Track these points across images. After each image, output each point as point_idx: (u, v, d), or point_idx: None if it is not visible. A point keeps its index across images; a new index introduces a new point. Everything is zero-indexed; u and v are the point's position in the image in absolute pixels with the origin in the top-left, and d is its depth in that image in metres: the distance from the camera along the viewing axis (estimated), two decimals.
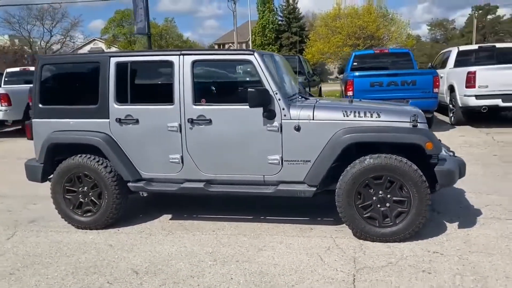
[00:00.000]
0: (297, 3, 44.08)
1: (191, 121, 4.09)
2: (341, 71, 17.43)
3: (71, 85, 4.59)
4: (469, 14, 66.61)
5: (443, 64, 11.81)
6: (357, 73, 9.32)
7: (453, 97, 10.27)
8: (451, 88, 10.36)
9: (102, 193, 4.32)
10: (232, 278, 3.26)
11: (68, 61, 4.57)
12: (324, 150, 3.88)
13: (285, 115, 3.94)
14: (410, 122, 3.84)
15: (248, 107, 3.94)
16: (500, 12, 64.99)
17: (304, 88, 5.19)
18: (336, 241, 3.89)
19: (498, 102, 9.26)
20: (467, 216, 4.36)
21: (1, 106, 11.19)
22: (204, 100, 4.14)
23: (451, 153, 4.10)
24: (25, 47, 44.10)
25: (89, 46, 53.10)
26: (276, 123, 3.95)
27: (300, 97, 4.41)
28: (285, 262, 3.49)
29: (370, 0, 37.89)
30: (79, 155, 4.34)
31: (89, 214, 4.41)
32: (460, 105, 9.81)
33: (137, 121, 4.22)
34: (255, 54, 4.02)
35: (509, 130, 9.48)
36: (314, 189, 3.94)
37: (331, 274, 3.25)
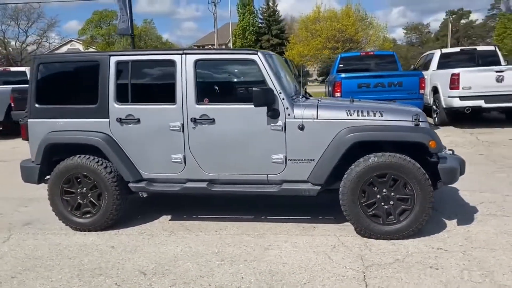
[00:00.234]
0: (277, 5, 44.33)
1: (194, 120, 4.06)
2: (321, 74, 17.60)
3: (69, 84, 4.50)
4: (443, 19, 68.24)
5: (425, 66, 12.04)
6: (345, 75, 9.42)
7: (437, 98, 10.48)
8: (435, 90, 10.58)
9: (102, 194, 4.25)
10: (243, 278, 3.25)
11: (66, 60, 4.48)
12: (328, 149, 3.91)
13: (289, 114, 3.96)
14: (412, 121, 3.90)
15: (251, 106, 3.94)
16: (472, 17, 66.74)
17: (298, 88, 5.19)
18: (341, 239, 3.92)
19: (481, 103, 9.51)
20: (465, 213, 4.46)
21: None
22: (207, 99, 4.11)
23: (450, 152, 4.18)
24: None
25: (66, 47, 52.13)
26: (280, 122, 3.96)
27: (301, 96, 4.43)
28: (293, 261, 3.50)
29: (348, 3, 38.39)
30: (78, 155, 4.26)
31: (88, 215, 4.33)
32: (444, 106, 10.02)
33: (138, 121, 4.16)
34: (259, 53, 4.03)
35: (491, 130, 9.74)
36: (319, 187, 3.96)
37: (341, 272, 3.28)
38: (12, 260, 3.76)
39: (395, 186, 3.79)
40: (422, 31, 74.90)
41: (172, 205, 5.08)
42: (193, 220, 4.58)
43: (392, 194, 3.80)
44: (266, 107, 3.92)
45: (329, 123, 3.93)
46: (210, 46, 52.47)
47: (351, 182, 3.80)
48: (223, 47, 43.85)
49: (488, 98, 9.46)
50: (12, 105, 10.68)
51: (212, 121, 4.05)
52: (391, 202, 3.81)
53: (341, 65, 11.16)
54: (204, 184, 4.13)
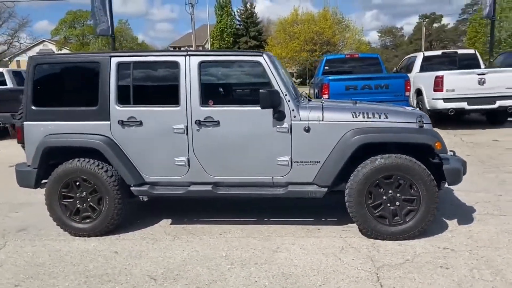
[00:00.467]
0: (254, 7, 44.43)
1: (199, 122, 4.01)
2: (299, 76, 17.70)
3: (68, 86, 4.38)
4: (416, 22, 69.73)
5: (408, 69, 12.26)
6: (332, 77, 9.50)
7: (420, 100, 10.68)
8: (418, 92, 10.78)
9: (103, 199, 4.15)
10: (256, 281, 3.22)
11: (64, 61, 4.35)
12: (334, 151, 3.92)
13: (294, 116, 3.95)
14: (417, 123, 3.96)
15: (257, 108, 3.93)
16: (444, 21, 68.48)
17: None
18: (347, 240, 3.94)
19: (464, 105, 9.73)
20: (463, 213, 4.55)
21: None
22: (212, 101, 4.07)
23: (452, 153, 4.26)
24: None
25: (38, 47, 50.89)
26: (286, 124, 3.95)
27: (303, 98, 4.44)
28: (304, 263, 3.49)
29: (326, 6, 38.84)
30: (77, 159, 4.14)
31: (88, 220, 4.22)
32: (428, 108, 10.21)
33: (140, 123, 4.09)
34: (264, 55, 4.02)
35: (474, 132, 9.98)
36: (325, 189, 3.97)
37: (354, 273, 3.29)
38: (13, 267, 3.62)
39: (401, 187, 3.83)
40: (396, 34, 76.37)
41: (171, 209, 5.00)
42: (195, 223, 4.52)
43: (398, 195, 3.84)
44: (272, 109, 3.91)
45: (335, 125, 3.95)
46: (186, 47, 52.20)
47: (358, 183, 3.82)
48: (200, 48, 43.68)
49: (470, 100, 9.69)
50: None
51: (217, 123, 4.01)
52: (397, 203, 3.85)
53: (326, 67, 11.25)
54: (209, 187, 4.09)
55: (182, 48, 50.37)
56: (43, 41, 52.82)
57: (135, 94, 4.10)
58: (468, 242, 3.81)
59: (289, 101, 3.95)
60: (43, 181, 4.36)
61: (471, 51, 12.13)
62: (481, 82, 9.64)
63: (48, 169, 4.28)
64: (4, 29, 44.84)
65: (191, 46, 45.55)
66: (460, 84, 9.70)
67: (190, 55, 4.06)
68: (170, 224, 4.54)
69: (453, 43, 65.95)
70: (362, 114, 3.97)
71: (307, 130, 3.95)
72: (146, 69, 4.27)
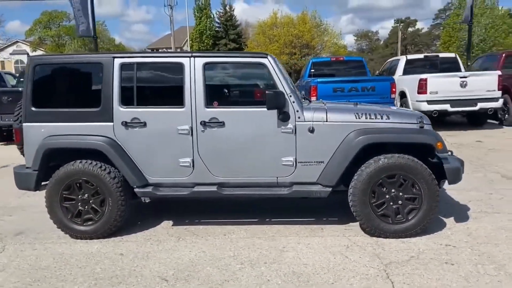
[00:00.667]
0: (233, 10, 44.36)
1: (204, 123, 4.02)
2: None
3: (69, 87, 4.33)
4: (392, 26, 71.05)
5: (390, 72, 12.51)
6: (320, 79, 9.62)
7: (404, 103, 10.91)
8: (402, 94, 11.01)
9: (106, 200, 4.11)
10: (269, 280, 3.25)
11: (65, 62, 4.29)
12: (338, 151, 3.99)
13: (299, 117, 4.01)
14: (417, 123, 4.07)
15: (262, 109, 3.99)
16: (418, 25, 70.02)
17: None
18: (351, 239, 4.01)
19: (447, 107, 10.00)
20: (459, 211, 4.69)
21: None
22: (217, 103, 4.09)
23: (450, 152, 4.38)
24: None
25: (11, 48, 49.71)
26: (290, 125, 4.01)
27: (304, 99, 4.50)
28: (313, 262, 3.54)
29: (304, 10, 39.20)
30: (79, 160, 4.10)
31: (90, 222, 4.17)
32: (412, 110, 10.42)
33: (144, 124, 4.07)
34: (269, 57, 4.07)
35: (456, 133, 10.27)
36: (330, 189, 4.03)
37: (363, 271, 3.35)
38: (17, 271, 3.56)
39: (404, 186, 3.92)
40: (371, 38, 77.72)
41: (172, 210, 4.98)
42: (197, 224, 4.52)
43: (401, 194, 3.93)
44: (277, 110, 3.95)
45: (339, 125, 4.02)
46: (164, 49, 51.79)
47: (362, 183, 3.90)
48: (178, 50, 43.43)
49: (453, 102, 9.97)
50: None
51: (222, 124, 4.03)
52: (400, 202, 3.94)
53: (312, 70, 11.36)
54: (213, 188, 4.10)
55: (160, 50, 50.01)
56: (16, 41, 51.59)
57: (138, 95, 4.09)
58: (468, 239, 3.93)
59: (293, 102, 4.01)
60: (42, 183, 4.29)
61: (452, 55, 12.48)
62: (463, 85, 9.93)
63: (47, 171, 4.22)
64: None
65: (170, 48, 45.32)
66: (443, 86, 9.96)
67: (194, 56, 4.07)
68: (172, 225, 4.53)
69: (427, 47, 67.52)
70: (364, 115, 4.05)
71: (312, 130, 4.01)
72: (149, 70, 4.26)
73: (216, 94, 4.26)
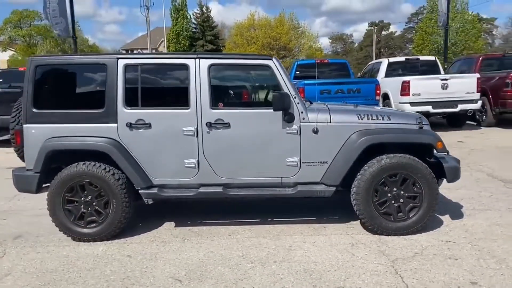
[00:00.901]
0: (210, 11, 44.30)
1: (209, 125, 4.05)
2: None
3: (72, 88, 4.29)
4: (366, 29, 72.39)
5: (371, 74, 12.77)
6: (307, 81, 9.75)
7: (387, 104, 11.16)
8: (385, 96, 11.26)
9: (110, 202, 4.08)
10: (282, 278, 3.31)
11: (67, 63, 4.24)
12: (342, 151, 4.09)
13: (303, 118, 4.08)
14: (417, 124, 4.21)
15: (267, 110, 4.05)
16: (391, 28, 71.49)
17: None
18: (354, 237, 4.11)
19: (429, 108, 10.28)
20: (453, 209, 4.85)
21: None
22: (222, 104, 4.13)
23: (446, 152, 4.53)
24: None
25: None
26: (295, 126, 4.08)
27: (305, 101, 4.58)
28: (322, 260, 3.62)
29: (281, 12, 39.47)
30: (83, 162, 4.06)
31: (94, 225, 4.14)
32: None
33: (149, 126, 4.07)
34: (273, 59, 4.13)
35: (438, 134, 10.53)
36: (334, 188, 4.12)
37: (372, 267, 3.45)
38: (24, 275, 3.50)
39: (405, 185, 4.05)
40: (346, 41, 78.90)
41: (172, 211, 4.98)
42: (199, 225, 4.54)
43: (402, 192, 4.06)
44: (283, 111, 4.02)
45: (342, 126, 4.12)
46: (139, 50, 51.22)
47: (365, 182, 4.01)
48: (153, 51, 43.04)
49: (435, 104, 10.27)
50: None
51: (227, 125, 4.07)
52: (401, 200, 4.06)
53: (297, 72, 11.51)
54: (219, 189, 4.13)
55: (135, 51, 49.40)
56: None
57: (143, 96, 4.08)
58: (466, 235, 4.09)
59: (298, 103, 4.08)
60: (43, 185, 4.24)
61: (432, 58, 12.84)
62: (444, 87, 10.24)
63: (48, 173, 4.17)
64: None
65: (145, 49, 44.84)
66: (425, 88, 10.24)
67: (199, 58, 4.09)
68: (175, 226, 4.53)
69: (400, 50, 69.00)
70: (366, 116, 4.16)
71: (316, 131, 4.09)
72: (154, 72, 4.26)
73: (221, 96, 4.28)
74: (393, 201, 4.07)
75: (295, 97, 4.08)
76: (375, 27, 61.33)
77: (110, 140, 4.07)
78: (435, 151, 4.31)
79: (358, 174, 4.06)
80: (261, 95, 4.62)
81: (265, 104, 3.98)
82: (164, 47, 41.50)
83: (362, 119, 4.15)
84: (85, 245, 4.08)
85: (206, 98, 4.05)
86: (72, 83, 4.29)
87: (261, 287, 3.19)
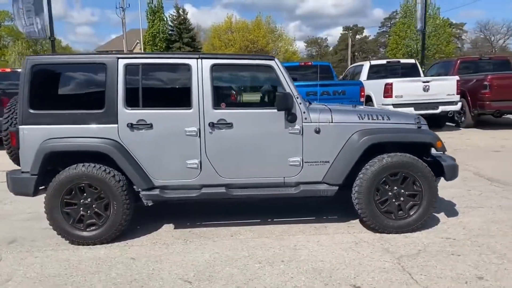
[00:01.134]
0: (187, 14, 44.06)
1: (212, 125, 4.03)
2: None
3: (70, 88, 4.19)
4: (340, 33, 73.42)
5: (353, 77, 12.95)
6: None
7: (370, 106, 11.33)
8: (367, 98, 11.42)
9: (110, 204, 4.01)
10: (292, 277, 3.31)
11: (65, 62, 4.12)
12: (343, 151, 4.13)
13: (305, 118, 4.11)
14: (415, 124, 4.29)
15: (270, 110, 4.08)
16: (365, 32, 72.72)
17: None
18: (356, 235, 4.15)
19: (411, 110, 10.48)
20: (447, 207, 4.96)
21: None
22: (224, 104, 4.12)
23: (444, 151, 4.63)
24: None
25: None
26: (297, 126, 4.10)
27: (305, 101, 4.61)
28: (329, 258, 3.64)
29: (258, 16, 39.64)
30: (82, 164, 3.97)
31: (93, 228, 4.05)
32: None
33: (151, 126, 4.02)
34: (276, 59, 4.14)
35: None
36: (336, 188, 4.16)
37: (379, 265, 3.49)
38: (26, 280, 3.39)
39: (405, 183, 4.12)
40: (321, 45, 79.86)
41: (169, 213, 4.92)
42: (199, 226, 4.50)
43: (403, 191, 4.13)
44: (285, 111, 4.04)
45: (344, 126, 4.16)
46: (113, 51, 50.44)
47: (367, 181, 4.06)
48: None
49: (417, 105, 10.49)
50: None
51: (230, 125, 4.05)
52: (401, 199, 4.13)
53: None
54: (222, 189, 4.11)
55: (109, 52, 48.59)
56: None
57: (144, 96, 4.03)
58: (464, 232, 4.19)
59: (300, 103, 4.11)
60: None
61: (412, 60, 13.12)
62: (426, 89, 10.49)
63: (45, 175, 4.06)
64: None
65: (121, 51, 44.21)
66: (407, 90, 10.46)
67: (202, 58, 4.07)
68: (174, 228, 4.48)
69: (374, 53, 70.28)
70: (367, 116, 4.22)
71: (318, 131, 4.12)
72: (156, 72, 4.22)
73: (224, 96, 4.27)
74: (394, 200, 4.13)
75: (297, 97, 4.11)
76: (350, 32, 62.24)
77: (110, 141, 4.00)
78: (434, 150, 4.39)
79: (360, 173, 4.10)
80: (263, 95, 4.62)
81: (268, 104, 3.99)
82: (140, 49, 40.99)
83: (362, 119, 4.20)
84: (85, 249, 3.99)
85: (208, 98, 4.03)
86: (70, 84, 4.20)
87: (273, 286, 3.18)
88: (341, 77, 14.18)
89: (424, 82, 10.56)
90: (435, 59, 36.77)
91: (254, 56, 4.35)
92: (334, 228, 4.35)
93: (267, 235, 4.21)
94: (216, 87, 4.10)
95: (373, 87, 11.19)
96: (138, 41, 47.64)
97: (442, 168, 4.19)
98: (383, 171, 4.06)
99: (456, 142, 9.59)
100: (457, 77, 10.80)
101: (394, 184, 4.12)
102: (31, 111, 3.98)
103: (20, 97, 4.00)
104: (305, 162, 4.15)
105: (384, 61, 13.13)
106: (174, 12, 43.72)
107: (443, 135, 10.62)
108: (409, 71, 12.30)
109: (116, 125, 4.00)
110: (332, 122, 4.15)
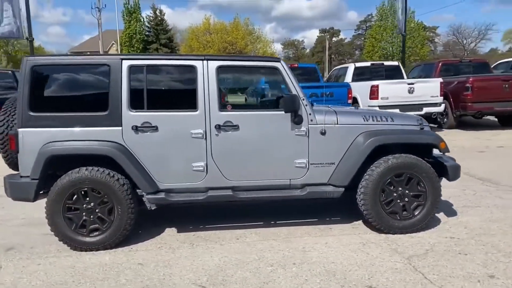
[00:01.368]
0: (164, 15, 43.70)
1: (218, 127, 3.99)
2: None
3: (72, 90, 4.06)
4: (317, 36, 74.09)
5: (338, 79, 13.08)
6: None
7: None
8: (353, 100, 11.54)
9: (114, 209, 3.92)
10: (307, 280, 3.30)
11: (67, 63, 4.00)
12: (348, 152, 4.15)
13: (311, 120, 4.11)
14: (418, 125, 4.35)
15: (276, 112, 4.08)
16: (341, 35, 73.61)
17: None
18: (362, 236, 4.17)
19: (397, 111, 10.63)
20: (445, 207, 5.04)
21: None
22: (230, 106, 4.08)
23: (447, 152, 4.70)
24: None
25: None
26: (303, 128, 4.10)
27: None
28: (340, 260, 3.64)
29: (236, 17, 39.62)
30: (85, 167, 3.87)
31: (97, 233, 3.95)
32: None
33: (156, 129, 3.95)
34: (281, 61, 4.14)
35: None
36: (342, 189, 4.17)
37: (390, 265, 3.52)
38: None
39: (410, 184, 4.16)
40: (298, 47, 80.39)
41: (169, 217, 4.85)
42: (202, 230, 4.44)
43: (407, 191, 4.17)
44: (292, 113, 4.03)
45: (349, 128, 4.18)
46: (88, 53, 49.58)
47: (373, 182, 4.08)
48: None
49: (402, 107, 10.65)
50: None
51: (236, 127, 4.02)
52: (406, 199, 4.18)
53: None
54: (229, 192, 4.07)
55: (83, 54, 47.77)
56: None
57: (149, 98, 3.95)
58: (466, 231, 4.26)
59: (306, 105, 4.11)
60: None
61: (395, 63, 13.34)
62: (411, 91, 10.67)
63: (45, 180, 3.94)
64: None
65: (97, 51, 43.45)
66: (393, 92, 10.63)
67: (207, 60, 4.03)
68: (178, 232, 4.41)
69: (350, 56, 71.21)
70: (372, 118, 4.25)
71: (323, 133, 4.13)
72: (160, 73, 4.14)
73: (229, 97, 4.23)
74: (398, 200, 4.17)
75: (303, 99, 4.11)
76: (327, 34, 62.89)
77: (114, 144, 3.91)
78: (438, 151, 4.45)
79: (366, 174, 4.13)
80: (269, 97, 4.60)
81: (273, 106, 3.97)
82: (116, 50, 40.40)
83: (367, 120, 4.23)
84: (88, 255, 3.88)
85: (214, 100, 3.99)
86: (72, 85, 4.07)
87: None
88: (325, 79, 14.30)
89: (409, 84, 10.76)
90: (410, 61, 37.51)
91: (260, 58, 4.35)
92: (339, 230, 4.37)
93: (274, 238, 4.19)
94: (221, 89, 4.06)
95: (359, 89, 11.32)
96: (113, 42, 46.97)
97: (445, 169, 4.26)
98: (388, 172, 4.09)
99: None
100: (440, 79, 11.03)
101: (399, 185, 4.16)
102: (31, 113, 3.86)
103: (19, 99, 3.87)
104: (311, 164, 4.15)
105: (368, 63, 13.31)
106: (151, 13, 43.34)
107: None
108: (393, 73, 12.50)
109: (120, 128, 3.92)
110: (337, 124, 4.17)
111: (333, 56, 70.20)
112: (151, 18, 43.15)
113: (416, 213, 4.19)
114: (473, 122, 13.00)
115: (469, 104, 11.01)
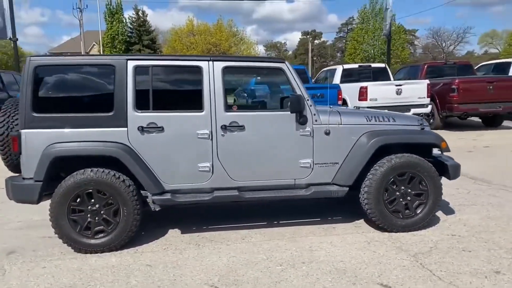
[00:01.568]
0: (146, 16, 43.39)
1: (224, 127, 4.00)
2: None
3: (77, 90, 4.01)
4: (299, 38, 74.54)
5: (326, 80, 13.19)
6: None
7: None
8: (343, 101, 11.66)
9: (120, 210, 3.89)
10: (318, 279, 3.33)
11: (71, 64, 3.94)
12: (352, 152, 4.21)
13: (316, 120, 4.16)
14: (419, 125, 4.43)
15: (281, 113, 4.12)
16: (323, 38, 74.21)
17: None
18: (366, 235, 4.23)
19: None
20: (442, 205, 5.12)
21: None
22: (236, 107, 4.09)
23: (439, 152, 4.81)
24: None
25: None
26: (308, 128, 4.14)
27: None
28: (348, 258, 3.68)
29: (219, 19, 39.57)
30: (90, 169, 3.83)
31: (102, 235, 3.91)
32: None
33: (162, 129, 3.93)
34: (286, 62, 4.17)
35: None
36: (347, 189, 4.22)
37: (398, 263, 3.57)
38: None
39: (412, 183, 4.24)
40: (280, 49, 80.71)
41: (171, 218, 4.83)
42: (206, 231, 4.43)
43: (409, 190, 4.25)
44: (298, 113, 4.06)
45: (352, 128, 4.24)
46: (69, 53, 48.88)
47: (376, 181, 4.15)
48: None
49: (390, 108, 10.75)
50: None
51: (242, 128, 4.03)
52: (408, 198, 4.25)
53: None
54: (235, 192, 4.07)
55: (63, 55, 47.03)
56: None
57: (155, 99, 3.94)
58: (467, 229, 4.36)
59: (310, 106, 4.15)
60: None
61: (382, 65, 13.53)
62: (399, 92, 10.84)
63: (49, 182, 3.89)
64: None
65: (78, 53, 42.87)
66: (381, 94, 10.78)
67: (213, 60, 4.03)
68: (181, 233, 4.39)
69: (332, 58, 71.80)
70: (374, 118, 4.32)
71: (328, 133, 4.18)
72: (166, 74, 4.13)
73: (234, 98, 4.24)
74: (401, 199, 4.24)
75: (307, 100, 4.14)
76: (309, 36, 63.32)
77: (120, 145, 3.88)
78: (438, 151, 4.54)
79: (369, 173, 4.19)
80: (274, 97, 4.63)
81: (278, 106, 3.99)
82: (100, 51, 39.91)
83: (370, 121, 4.30)
84: (94, 257, 3.84)
85: (220, 100, 3.99)
86: (76, 86, 4.02)
87: None
88: (313, 80, 14.42)
89: (397, 85, 10.92)
90: (392, 64, 38.08)
91: (265, 59, 4.37)
92: (342, 229, 4.41)
93: (279, 238, 4.21)
94: (227, 90, 4.07)
95: (348, 91, 11.44)
96: (95, 43, 46.41)
97: (445, 168, 4.35)
98: (392, 171, 4.16)
99: None
100: (427, 81, 11.24)
101: (402, 184, 4.23)
102: (34, 114, 3.80)
103: (21, 99, 3.81)
104: (315, 164, 4.19)
105: (356, 65, 13.47)
106: (133, 13, 42.96)
107: None
108: (380, 75, 12.68)
109: (125, 129, 3.89)
110: (341, 124, 4.22)
111: (315, 58, 70.69)
112: (133, 19, 42.78)
113: (418, 212, 4.27)
114: (458, 123, 13.27)
115: (455, 105, 11.24)
